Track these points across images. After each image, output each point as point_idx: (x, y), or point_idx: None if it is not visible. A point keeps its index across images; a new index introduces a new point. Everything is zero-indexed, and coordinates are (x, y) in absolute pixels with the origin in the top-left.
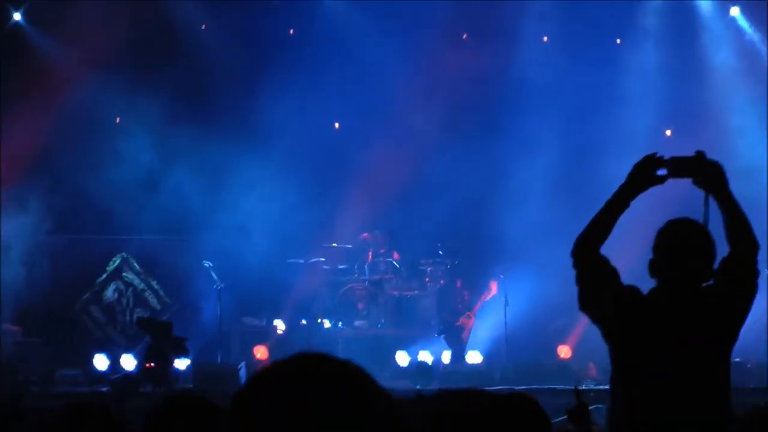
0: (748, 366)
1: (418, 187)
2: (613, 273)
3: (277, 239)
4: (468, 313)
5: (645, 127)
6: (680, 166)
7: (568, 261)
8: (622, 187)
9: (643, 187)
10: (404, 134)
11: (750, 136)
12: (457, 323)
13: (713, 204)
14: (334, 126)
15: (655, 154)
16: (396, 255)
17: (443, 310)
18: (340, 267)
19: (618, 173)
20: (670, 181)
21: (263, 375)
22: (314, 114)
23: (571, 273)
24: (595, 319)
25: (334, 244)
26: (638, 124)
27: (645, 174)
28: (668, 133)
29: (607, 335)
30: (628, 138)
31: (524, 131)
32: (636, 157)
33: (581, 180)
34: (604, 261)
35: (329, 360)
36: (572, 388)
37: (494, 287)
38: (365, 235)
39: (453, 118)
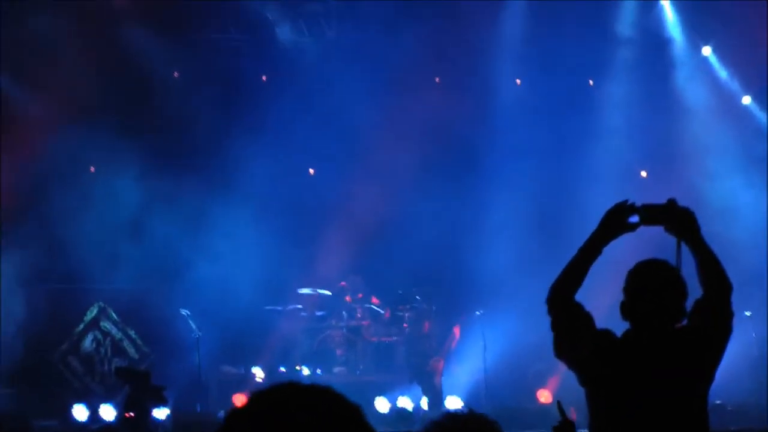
0: (729, 408)
1: (394, 230)
2: (588, 318)
3: (255, 286)
4: (436, 357)
5: (621, 165)
6: (652, 214)
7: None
8: (594, 234)
9: (615, 235)
10: (379, 178)
11: (724, 176)
12: (427, 368)
13: (686, 248)
14: (309, 172)
15: (626, 201)
16: (375, 299)
17: (411, 355)
18: (318, 314)
19: (594, 212)
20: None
21: (247, 410)
22: (289, 160)
23: (548, 319)
24: (572, 365)
25: (318, 291)
26: (614, 163)
27: (617, 221)
28: (644, 174)
29: (584, 380)
30: (605, 176)
31: (499, 171)
32: (613, 196)
33: (558, 219)
34: (579, 307)
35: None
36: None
37: (457, 332)
38: (342, 283)
39: (428, 160)
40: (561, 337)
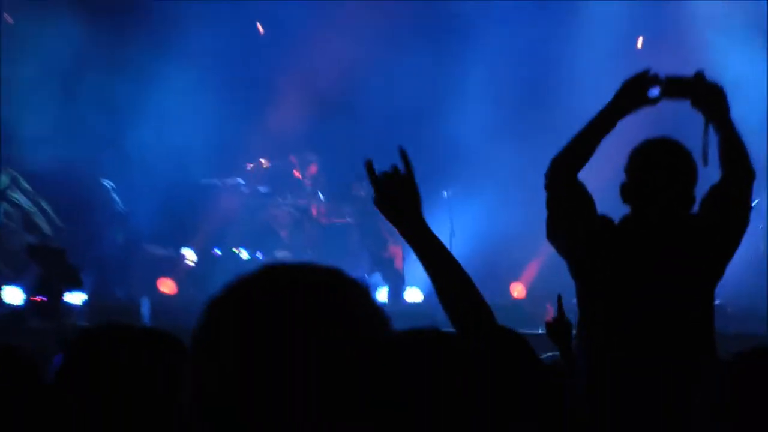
0: (729, 310)
1: (358, 99)
2: (589, 201)
3: (194, 159)
4: (393, 240)
5: (615, 33)
6: (677, 87)
7: (524, 186)
8: (609, 106)
9: (633, 108)
10: (339, 44)
11: (723, 48)
12: (386, 254)
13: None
14: (258, 31)
15: (648, 71)
16: (316, 172)
17: (367, 239)
18: (261, 189)
19: (584, 84)
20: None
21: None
22: (241, 17)
23: (526, 201)
24: (563, 250)
25: (261, 161)
26: (607, 30)
27: (636, 93)
28: (639, 45)
29: (575, 269)
30: (597, 44)
31: (480, 33)
32: (605, 67)
33: (543, 90)
34: (581, 187)
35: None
36: (527, 331)
37: None
38: (292, 157)
39: (393, 25)
40: (557, 217)
